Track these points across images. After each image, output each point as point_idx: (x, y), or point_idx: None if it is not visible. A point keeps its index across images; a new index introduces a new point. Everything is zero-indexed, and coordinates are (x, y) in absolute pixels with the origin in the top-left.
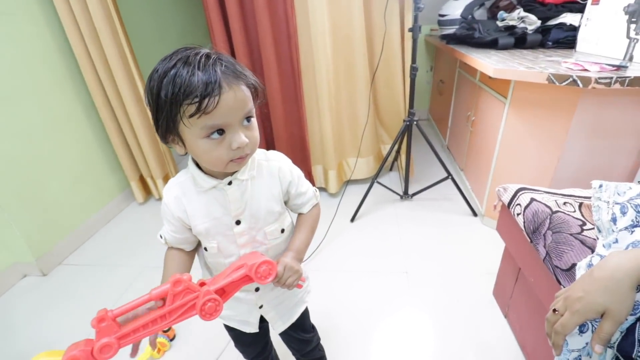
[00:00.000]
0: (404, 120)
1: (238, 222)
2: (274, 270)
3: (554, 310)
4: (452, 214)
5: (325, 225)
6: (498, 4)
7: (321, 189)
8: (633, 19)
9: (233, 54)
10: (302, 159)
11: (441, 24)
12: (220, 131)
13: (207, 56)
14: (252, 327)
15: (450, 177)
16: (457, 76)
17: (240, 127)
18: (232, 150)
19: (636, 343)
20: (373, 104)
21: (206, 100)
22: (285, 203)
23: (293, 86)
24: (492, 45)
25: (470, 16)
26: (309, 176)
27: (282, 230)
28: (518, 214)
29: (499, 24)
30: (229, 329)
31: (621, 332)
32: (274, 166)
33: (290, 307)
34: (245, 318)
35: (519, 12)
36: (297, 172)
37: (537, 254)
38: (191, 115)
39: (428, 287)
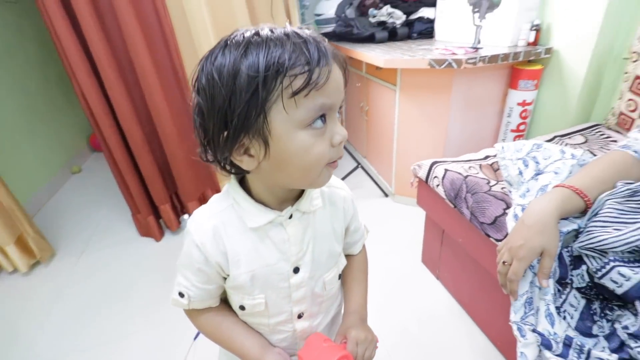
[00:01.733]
0: None
1: (296, 270)
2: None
3: (503, 263)
4: (366, 198)
5: None
6: (365, 3)
7: None
8: (476, 10)
9: (94, 68)
10: (206, 176)
11: (318, 23)
12: (323, 118)
13: (282, 31)
14: None
15: (359, 165)
16: None
17: (336, 118)
18: (333, 146)
19: (568, 267)
20: None
21: (317, 70)
22: None
23: (181, 96)
24: (370, 39)
25: (343, 14)
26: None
27: (339, 277)
28: (437, 185)
29: (372, 20)
30: None
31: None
32: (337, 195)
33: None
34: None
35: (387, 8)
36: (356, 203)
37: (462, 216)
38: (296, 92)
39: None
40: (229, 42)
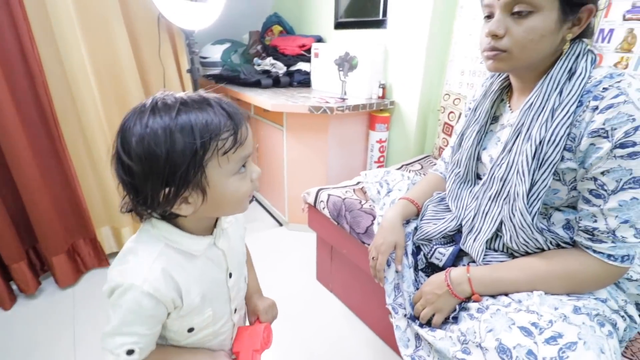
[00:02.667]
0: None
1: (230, 275)
2: (271, 330)
3: (372, 258)
4: (262, 229)
5: None
6: (249, 51)
7: (114, 254)
8: (340, 69)
9: None
10: (79, 225)
11: (204, 65)
12: (243, 165)
13: (200, 95)
14: None
15: (254, 198)
16: None
17: (251, 160)
18: (252, 181)
19: (415, 256)
20: None
21: (240, 131)
22: None
23: (46, 136)
24: (257, 84)
25: (229, 60)
26: (93, 244)
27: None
28: (323, 208)
29: (257, 68)
30: None
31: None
32: None
33: None
34: None
35: (270, 59)
36: None
37: (344, 230)
38: (226, 151)
39: None
40: (156, 108)
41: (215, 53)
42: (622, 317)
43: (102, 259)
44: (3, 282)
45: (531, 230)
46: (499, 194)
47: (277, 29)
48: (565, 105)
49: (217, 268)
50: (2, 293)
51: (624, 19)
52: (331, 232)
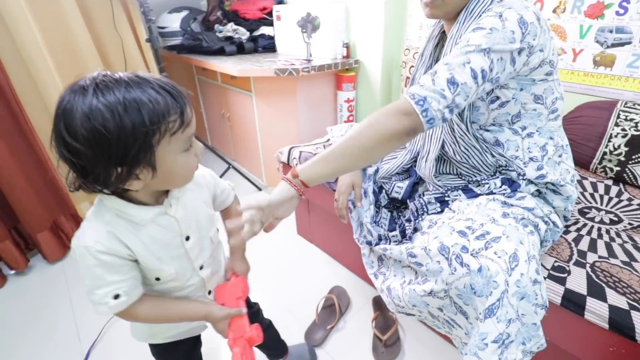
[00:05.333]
0: None
1: (187, 238)
2: (247, 281)
3: (336, 200)
4: (242, 195)
5: None
6: (209, 18)
7: None
8: (303, 30)
9: None
10: (59, 202)
11: (163, 35)
12: (190, 144)
13: (138, 75)
14: (203, 327)
15: (230, 166)
16: (199, 82)
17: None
18: (197, 156)
19: (377, 194)
20: None
21: (185, 113)
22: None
23: (11, 118)
24: (220, 52)
25: (189, 28)
26: (75, 219)
27: (217, 230)
28: (296, 164)
29: (219, 35)
30: (164, 356)
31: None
32: (197, 175)
33: None
34: (195, 324)
35: (232, 25)
36: (212, 172)
37: None
38: (174, 132)
39: (249, 258)
40: (98, 87)
41: (173, 22)
42: (546, 222)
43: None
44: None
45: (467, 136)
46: None
47: None
48: (465, 30)
49: (171, 233)
50: None
51: None
52: None
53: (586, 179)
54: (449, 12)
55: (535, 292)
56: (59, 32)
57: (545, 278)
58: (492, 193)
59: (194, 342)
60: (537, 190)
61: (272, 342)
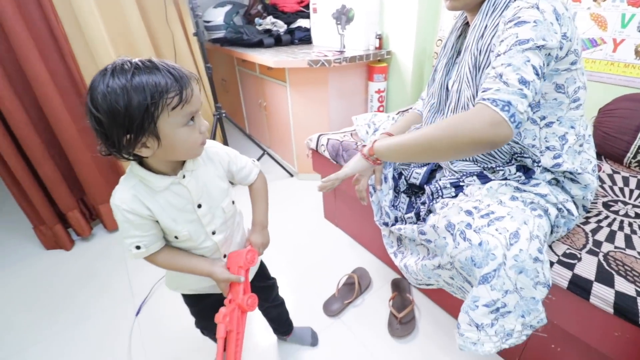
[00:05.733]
0: (214, 115)
1: (199, 206)
2: (255, 253)
3: (356, 183)
4: (275, 180)
5: None
6: (250, 12)
7: None
8: (338, 22)
9: None
10: (115, 179)
11: (208, 29)
12: (192, 118)
13: (150, 61)
14: None
15: (265, 152)
16: (239, 73)
17: (200, 115)
18: (201, 133)
19: (397, 180)
20: None
21: (185, 91)
22: (232, 181)
23: (80, 102)
24: (259, 45)
25: (231, 22)
26: None
27: (233, 202)
28: (324, 150)
29: (259, 28)
30: (193, 305)
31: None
32: (211, 152)
33: None
34: (213, 282)
35: (270, 19)
36: (232, 151)
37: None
38: (174, 107)
39: (279, 239)
40: (115, 69)
41: (217, 16)
42: (559, 209)
43: None
44: (62, 229)
45: None
46: (457, 104)
47: None
48: (491, 21)
49: (184, 200)
50: (63, 237)
51: None
52: (332, 171)
53: (618, 173)
54: (469, 4)
55: (536, 269)
56: (119, 26)
57: (553, 263)
58: (506, 179)
59: (218, 298)
60: (555, 179)
61: (279, 320)
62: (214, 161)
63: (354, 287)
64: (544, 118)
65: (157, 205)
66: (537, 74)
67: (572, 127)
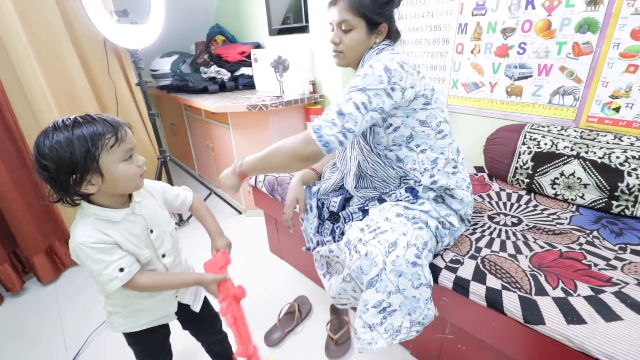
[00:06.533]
0: (158, 158)
1: (151, 231)
2: (227, 253)
3: (283, 213)
4: (225, 219)
5: None
6: (197, 61)
7: None
8: (276, 70)
9: None
10: (54, 228)
11: (155, 77)
12: (129, 155)
13: (88, 115)
14: (171, 317)
15: (212, 192)
16: (187, 117)
17: (136, 152)
18: (139, 166)
19: (321, 209)
20: None
21: (119, 132)
22: (172, 210)
23: (15, 151)
24: (204, 91)
25: (178, 70)
26: (68, 244)
27: (175, 227)
28: (262, 186)
29: (204, 75)
30: (140, 342)
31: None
32: (148, 186)
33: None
34: (164, 313)
35: (214, 67)
36: (164, 184)
37: (277, 201)
38: (112, 146)
39: None
40: (56, 126)
41: (164, 65)
42: (441, 222)
43: None
44: None
45: (373, 155)
46: (354, 141)
47: (220, 38)
48: None
49: (140, 227)
50: None
51: (472, 15)
52: (271, 206)
53: (504, 190)
54: (350, 63)
55: (417, 272)
56: (60, 78)
57: (442, 269)
58: (398, 200)
59: (165, 331)
60: (440, 197)
61: (223, 355)
62: (152, 193)
63: (294, 315)
64: (418, 146)
65: (118, 235)
66: (358, 108)
67: (442, 153)
